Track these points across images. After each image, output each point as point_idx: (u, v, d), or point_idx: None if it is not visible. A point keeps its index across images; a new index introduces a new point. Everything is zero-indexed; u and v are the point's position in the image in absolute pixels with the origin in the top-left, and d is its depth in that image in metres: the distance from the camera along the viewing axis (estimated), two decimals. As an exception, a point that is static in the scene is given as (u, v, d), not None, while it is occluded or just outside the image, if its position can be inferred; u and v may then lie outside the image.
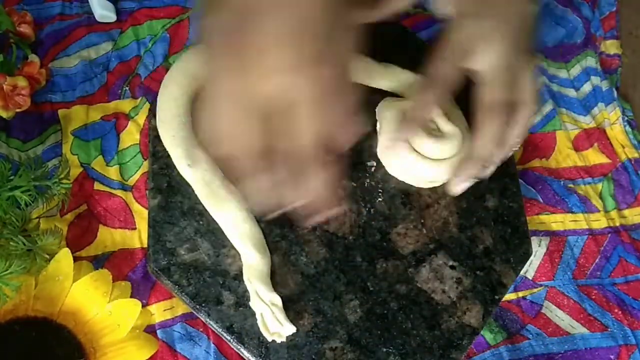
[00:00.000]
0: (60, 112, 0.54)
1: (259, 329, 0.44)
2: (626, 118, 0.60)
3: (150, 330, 0.47)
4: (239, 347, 0.44)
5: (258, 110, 0.34)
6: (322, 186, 0.37)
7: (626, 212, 0.56)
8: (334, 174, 0.37)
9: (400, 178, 0.50)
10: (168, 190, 0.48)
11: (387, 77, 0.52)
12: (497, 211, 0.50)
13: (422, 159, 0.48)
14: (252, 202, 0.41)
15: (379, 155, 0.50)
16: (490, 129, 0.45)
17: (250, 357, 0.44)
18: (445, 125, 0.49)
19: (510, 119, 0.45)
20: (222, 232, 0.47)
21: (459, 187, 0.48)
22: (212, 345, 0.47)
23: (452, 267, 0.48)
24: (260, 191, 0.37)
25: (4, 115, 0.50)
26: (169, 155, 0.49)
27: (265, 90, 0.33)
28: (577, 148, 0.58)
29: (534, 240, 0.52)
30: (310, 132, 0.35)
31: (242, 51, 0.33)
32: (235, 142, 0.35)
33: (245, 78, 0.34)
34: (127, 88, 0.55)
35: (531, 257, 0.51)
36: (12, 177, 0.46)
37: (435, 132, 0.49)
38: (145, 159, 0.52)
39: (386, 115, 0.49)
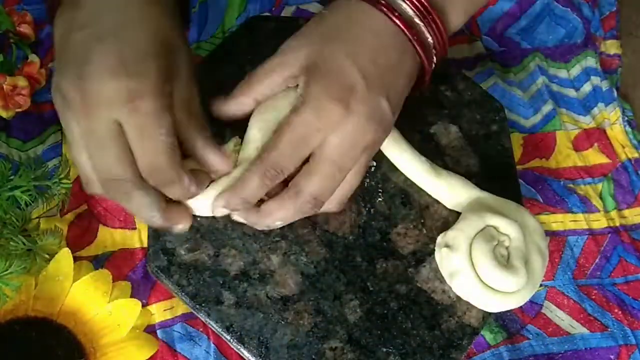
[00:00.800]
0: (60, 112, 0.53)
1: (259, 329, 0.44)
2: (626, 118, 0.60)
3: (150, 330, 0.47)
4: (239, 347, 0.44)
5: (109, 140, 0.38)
6: (146, 208, 0.41)
7: (626, 212, 0.56)
8: (154, 199, 0.41)
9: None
10: (168, 190, 0.48)
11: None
12: (497, 211, 0.50)
13: (489, 290, 0.44)
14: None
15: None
16: (287, 211, 0.44)
17: (250, 357, 0.44)
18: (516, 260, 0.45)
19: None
20: (222, 232, 0.47)
21: (219, 211, 0.44)
22: (212, 345, 0.47)
23: (452, 267, 0.48)
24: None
25: (4, 115, 0.50)
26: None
27: (98, 126, 0.38)
28: (577, 148, 0.58)
29: (534, 240, 0.52)
30: (127, 162, 0.39)
31: (79, 85, 0.38)
32: (98, 169, 0.40)
33: (82, 114, 0.39)
34: (127, 88, 0.55)
35: (531, 257, 0.51)
36: (12, 177, 0.46)
37: (503, 261, 0.44)
38: (145, 159, 0.52)
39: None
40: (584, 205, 0.56)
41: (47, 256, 0.46)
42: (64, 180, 0.48)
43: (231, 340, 0.44)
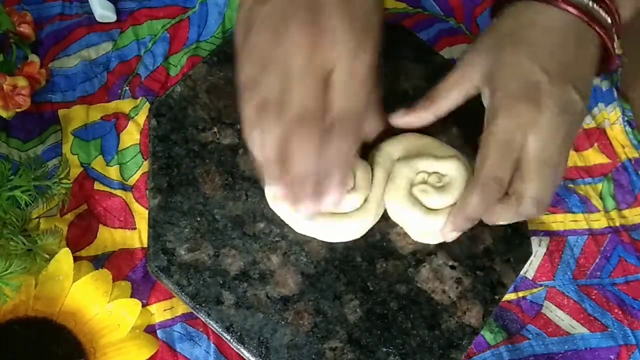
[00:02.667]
0: (60, 112, 0.54)
1: (259, 329, 0.44)
2: (626, 118, 0.60)
3: (150, 330, 0.47)
4: (239, 347, 0.44)
5: (322, 77, 0.39)
6: (343, 154, 0.40)
7: (626, 212, 0.56)
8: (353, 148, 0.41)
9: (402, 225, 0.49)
10: (168, 190, 0.48)
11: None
12: (497, 211, 0.50)
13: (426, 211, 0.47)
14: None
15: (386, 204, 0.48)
16: (509, 214, 0.44)
17: (250, 357, 0.44)
18: (446, 174, 0.48)
19: (505, 202, 0.44)
20: (222, 232, 0.47)
21: (450, 236, 0.47)
22: (212, 345, 0.47)
23: (452, 267, 0.48)
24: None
25: (4, 115, 0.50)
26: (169, 155, 0.49)
27: (329, 59, 0.38)
28: (577, 148, 0.58)
29: (534, 240, 0.52)
30: (358, 98, 0.40)
31: (312, 32, 0.38)
32: (306, 104, 0.39)
33: (315, 50, 0.38)
34: (127, 88, 0.55)
35: (531, 257, 0.51)
36: (12, 177, 0.46)
37: (435, 182, 0.48)
38: (145, 159, 0.52)
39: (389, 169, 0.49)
40: (584, 205, 0.56)
41: (47, 256, 0.46)
42: (64, 180, 0.48)
43: (231, 340, 0.44)
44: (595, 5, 0.44)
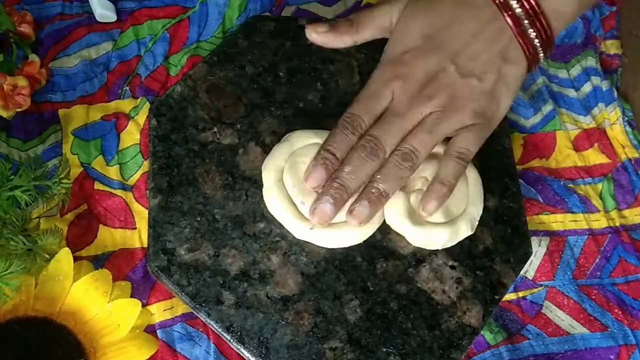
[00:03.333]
0: (61, 111, 0.54)
1: (259, 329, 0.44)
2: (626, 118, 0.60)
3: (150, 330, 0.47)
4: (239, 347, 0.44)
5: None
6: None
7: (626, 212, 0.56)
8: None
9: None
10: (168, 190, 0.48)
11: None
12: (497, 211, 0.50)
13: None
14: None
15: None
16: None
17: (250, 357, 0.44)
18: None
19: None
20: (222, 232, 0.47)
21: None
22: (212, 345, 0.47)
23: (452, 267, 0.48)
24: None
25: (4, 115, 0.50)
26: (169, 155, 0.49)
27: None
28: (577, 148, 0.58)
29: (534, 240, 0.52)
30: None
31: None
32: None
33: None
34: (127, 88, 0.55)
35: (531, 257, 0.51)
36: (12, 177, 0.46)
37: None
38: (146, 159, 0.52)
39: None
40: (584, 205, 0.56)
41: (47, 256, 0.46)
42: (64, 180, 0.48)
43: (231, 340, 0.44)
44: (527, 22, 0.46)
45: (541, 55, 0.47)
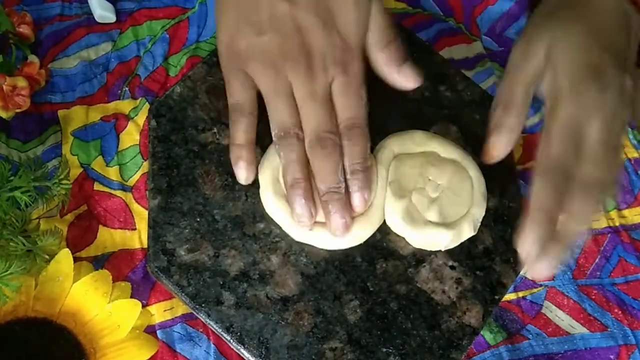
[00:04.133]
0: (60, 112, 0.54)
1: (259, 329, 0.44)
2: (626, 118, 0.60)
3: (150, 330, 0.47)
4: (239, 347, 0.44)
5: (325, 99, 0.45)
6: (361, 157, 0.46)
7: (626, 212, 0.56)
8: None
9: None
10: (168, 191, 0.48)
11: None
12: (497, 211, 0.50)
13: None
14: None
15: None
16: (589, 203, 0.41)
17: (250, 358, 0.44)
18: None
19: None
20: (222, 233, 0.47)
21: (544, 273, 0.43)
22: (212, 345, 0.47)
23: (452, 267, 0.48)
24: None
25: (4, 115, 0.50)
26: (169, 156, 0.49)
27: (319, 84, 0.45)
28: (577, 148, 0.58)
29: (534, 240, 0.52)
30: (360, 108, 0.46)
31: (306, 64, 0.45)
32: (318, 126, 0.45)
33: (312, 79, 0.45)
34: (126, 88, 0.55)
35: (531, 257, 0.51)
36: (12, 178, 0.46)
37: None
38: (145, 160, 0.52)
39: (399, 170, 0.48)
40: (584, 205, 0.56)
41: (47, 257, 0.46)
42: (64, 181, 0.48)
43: (231, 340, 0.44)
44: None
45: None
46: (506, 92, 0.46)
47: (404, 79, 0.47)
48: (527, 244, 0.41)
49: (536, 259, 0.41)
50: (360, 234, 0.47)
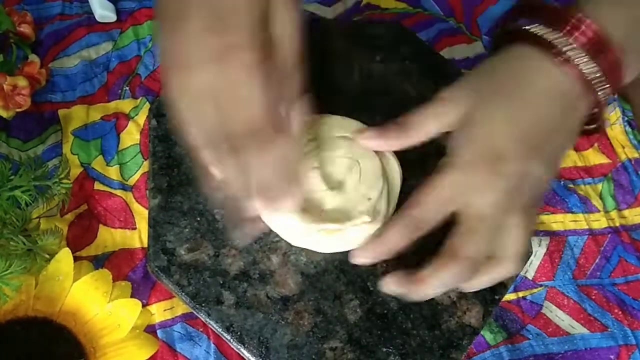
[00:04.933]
0: (61, 112, 0.54)
1: (259, 329, 0.44)
2: (626, 118, 0.60)
3: (150, 330, 0.47)
4: (239, 347, 0.44)
5: (206, 97, 0.37)
6: (276, 164, 0.38)
7: (626, 212, 0.56)
8: (287, 152, 0.39)
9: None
10: (168, 190, 0.48)
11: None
12: (497, 211, 0.50)
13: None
14: (223, 190, 0.41)
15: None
16: (445, 275, 0.40)
17: (250, 357, 0.44)
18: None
19: (481, 269, 0.41)
20: (222, 232, 0.47)
21: (359, 259, 0.43)
22: (212, 345, 0.47)
23: (452, 267, 0.48)
24: (228, 178, 0.39)
25: (4, 115, 0.50)
26: (169, 155, 0.49)
27: (200, 81, 0.37)
28: (577, 148, 0.58)
29: (534, 240, 0.52)
30: (251, 108, 0.37)
31: (178, 40, 0.37)
32: (197, 129, 0.38)
33: (182, 70, 0.37)
34: (127, 88, 0.55)
35: (531, 257, 0.51)
36: (12, 177, 0.46)
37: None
38: (146, 159, 0.52)
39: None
40: (584, 205, 0.56)
41: (47, 256, 0.46)
42: (64, 180, 0.48)
43: (231, 340, 0.44)
44: (599, 77, 0.40)
45: None
46: (411, 121, 0.44)
47: None
48: (360, 255, 0.43)
49: (358, 260, 0.43)
50: (357, 237, 0.45)
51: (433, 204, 0.41)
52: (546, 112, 0.41)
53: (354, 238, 0.45)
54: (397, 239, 0.41)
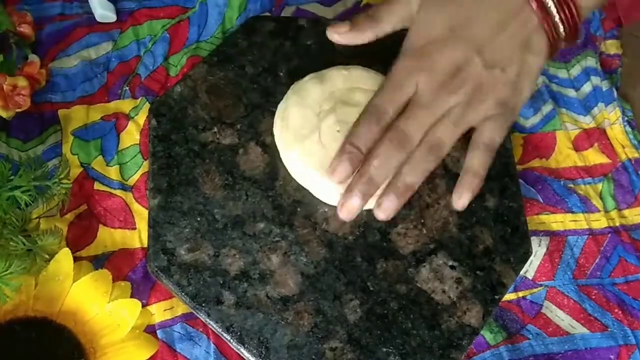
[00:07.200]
0: (60, 112, 0.54)
1: (259, 329, 0.44)
2: (626, 118, 0.60)
3: (150, 330, 0.47)
4: (239, 347, 0.44)
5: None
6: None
7: (626, 212, 0.56)
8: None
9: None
10: (168, 190, 0.48)
11: None
12: (497, 211, 0.50)
13: None
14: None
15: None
16: (382, 149, 0.45)
17: (250, 357, 0.44)
18: None
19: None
20: (222, 232, 0.47)
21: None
22: (212, 345, 0.47)
23: (452, 267, 0.48)
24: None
25: (4, 115, 0.50)
26: (169, 155, 0.49)
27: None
28: (577, 148, 0.58)
29: (534, 240, 0.52)
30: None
31: None
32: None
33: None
34: (127, 88, 0.55)
35: (531, 257, 0.51)
36: (12, 177, 0.46)
37: None
38: (145, 159, 0.52)
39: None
40: (584, 205, 0.56)
41: (47, 256, 0.46)
42: (64, 181, 0.48)
43: (231, 340, 0.44)
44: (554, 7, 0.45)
45: (563, 44, 0.47)
46: (379, 11, 0.50)
47: None
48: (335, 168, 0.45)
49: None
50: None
51: (388, 90, 0.46)
52: (488, 10, 0.46)
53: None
54: (365, 130, 0.45)
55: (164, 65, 0.56)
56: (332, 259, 0.47)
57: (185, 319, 0.48)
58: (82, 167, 0.52)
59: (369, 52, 0.51)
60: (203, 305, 0.45)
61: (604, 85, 0.61)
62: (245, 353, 0.44)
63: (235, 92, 0.52)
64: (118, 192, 0.51)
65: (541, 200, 0.55)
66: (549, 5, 0.45)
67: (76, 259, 0.47)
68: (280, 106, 0.50)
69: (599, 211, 0.56)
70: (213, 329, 0.45)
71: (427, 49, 0.46)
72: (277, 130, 0.49)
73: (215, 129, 0.50)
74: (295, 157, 0.48)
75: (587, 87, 0.61)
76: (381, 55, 0.50)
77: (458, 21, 0.46)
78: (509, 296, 0.51)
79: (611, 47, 0.63)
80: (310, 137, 0.47)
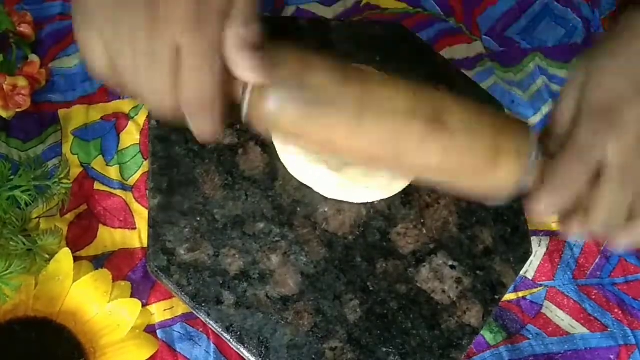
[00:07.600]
0: (60, 112, 0.54)
1: (258, 329, 0.44)
2: (626, 118, 0.60)
3: (150, 330, 0.47)
4: (239, 347, 0.44)
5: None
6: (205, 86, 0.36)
7: (626, 212, 0.56)
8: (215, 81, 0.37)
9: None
10: (168, 190, 0.48)
11: None
12: (497, 211, 0.50)
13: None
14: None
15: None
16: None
17: (250, 357, 0.44)
18: None
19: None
20: (222, 232, 0.47)
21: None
22: (212, 345, 0.47)
23: (452, 267, 0.48)
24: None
25: (4, 115, 0.50)
26: (169, 155, 0.49)
27: (160, 47, 0.35)
28: (577, 148, 0.58)
29: (534, 240, 0.52)
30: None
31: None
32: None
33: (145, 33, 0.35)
34: (127, 88, 0.55)
35: (531, 257, 0.51)
36: (12, 177, 0.46)
37: None
38: (145, 159, 0.52)
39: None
40: (584, 205, 0.56)
41: (47, 256, 0.46)
42: (64, 180, 0.48)
43: (231, 340, 0.44)
44: None
45: None
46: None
47: (246, 67, 0.39)
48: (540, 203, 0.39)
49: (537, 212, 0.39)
50: (388, 187, 0.47)
51: (574, 162, 0.38)
52: None
53: (384, 184, 0.46)
54: (574, 175, 0.38)
55: (164, 65, 0.56)
56: (332, 258, 0.47)
57: (185, 319, 0.48)
58: (82, 167, 0.52)
59: (367, 51, 0.51)
60: (203, 305, 0.45)
61: (604, 85, 0.61)
62: (245, 353, 0.44)
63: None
64: (118, 192, 0.51)
65: (541, 200, 0.55)
66: None
67: (76, 259, 0.47)
68: None
69: (599, 211, 0.56)
70: (213, 328, 0.45)
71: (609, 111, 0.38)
72: None
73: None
74: (293, 152, 0.48)
75: (587, 87, 0.61)
76: (379, 54, 0.50)
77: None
78: (509, 296, 0.51)
79: (611, 47, 0.63)
80: None
